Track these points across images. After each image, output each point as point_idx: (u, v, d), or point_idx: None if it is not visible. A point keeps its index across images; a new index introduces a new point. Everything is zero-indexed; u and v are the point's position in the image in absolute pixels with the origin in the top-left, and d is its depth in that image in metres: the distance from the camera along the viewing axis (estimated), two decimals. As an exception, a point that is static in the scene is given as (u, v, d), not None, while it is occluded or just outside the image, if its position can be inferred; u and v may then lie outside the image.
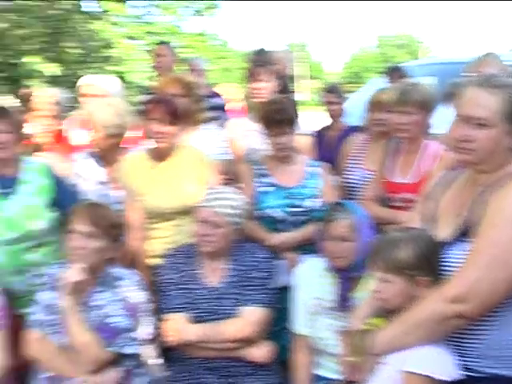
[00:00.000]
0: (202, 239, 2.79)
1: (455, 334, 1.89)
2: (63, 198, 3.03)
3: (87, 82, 4.05)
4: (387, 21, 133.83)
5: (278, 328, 2.90)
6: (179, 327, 2.74)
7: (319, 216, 2.86)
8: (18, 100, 5.98)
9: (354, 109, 4.40)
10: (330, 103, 4.59)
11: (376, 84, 5.13)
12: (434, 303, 1.86)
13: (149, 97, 3.82)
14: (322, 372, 2.69)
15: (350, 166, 3.74)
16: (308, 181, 3.24)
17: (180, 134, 3.17)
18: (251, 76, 3.79)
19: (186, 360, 2.79)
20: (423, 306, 1.89)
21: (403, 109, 3.12)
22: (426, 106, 3.16)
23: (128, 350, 2.56)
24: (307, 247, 3.03)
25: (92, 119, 3.36)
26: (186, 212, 2.99)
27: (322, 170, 3.30)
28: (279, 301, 2.89)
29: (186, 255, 2.89)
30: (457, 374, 1.88)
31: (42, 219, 2.96)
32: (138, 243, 3.07)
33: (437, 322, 1.86)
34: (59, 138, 4.00)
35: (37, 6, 10.57)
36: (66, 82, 9.50)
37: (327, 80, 36.50)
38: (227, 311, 2.77)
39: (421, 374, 1.86)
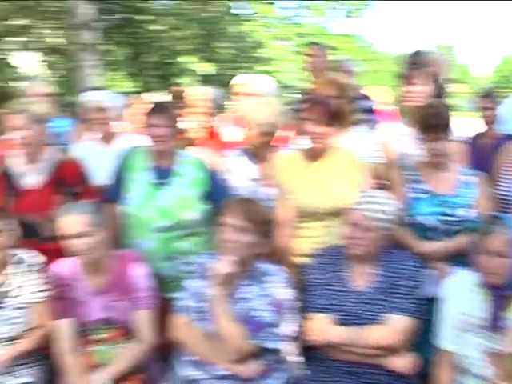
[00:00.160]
0: (351, 242, 2.76)
1: None
2: (215, 191, 3.15)
3: (241, 81, 4.16)
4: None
5: (421, 340, 2.81)
6: (323, 328, 2.72)
7: (473, 227, 2.71)
8: (170, 96, 6.30)
9: (509, 115, 4.16)
10: (484, 109, 4.36)
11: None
12: None
13: (303, 97, 3.85)
14: (463, 392, 2.57)
15: (505, 176, 3.53)
16: (462, 189, 3.09)
17: (334, 136, 3.17)
18: (406, 79, 3.69)
19: (326, 361, 2.77)
20: None
21: None
22: None
23: (270, 345, 2.60)
24: (458, 259, 2.89)
25: (246, 117, 3.44)
26: (336, 213, 2.97)
27: (478, 180, 3.15)
28: (425, 312, 2.80)
29: (334, 257, 2.88)
30: None
31: (194, 210, 3.10)
32: (287, 241, 3.09)
33: None
34: (212, 135, 4.15)
35: (192, 9, 11.06)
36: (217, 80, 9.87)
37: (475, 84, 34.75)
38: (372, 317, 2.72)
39: None
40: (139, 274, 2.83)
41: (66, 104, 7.30)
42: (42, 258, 2.99)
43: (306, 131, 3.10)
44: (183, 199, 3.08)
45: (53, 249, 3.09)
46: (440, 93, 4.20)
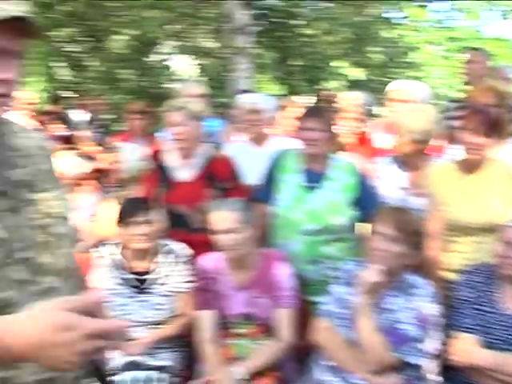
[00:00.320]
0: (504, 261, 2.60)
1: None
2: (364, 198, 3.10)
3: (396, 87, 4.07)
4: None
5: None
6: (468, 349, 2.59)
7: None
8: (318, 100, 6.31)
9: None
10: None
11: None
12: None
13: (458, 105, 3.69)
14: None
15: None
16: None
17: (491, 147, 3.00)
18: None
19: (467, 384, 2.64)
20: None
21: None
22: None
23: (412, 360, 2.51)
24: None
25: (398, 124, 3.36)
26: (490, 229, 2.81)
27: None
28: None
29: (484, 275, 2.72)
30: None
31: (342, 216, 3.07)
32: (436, 254, 2.98)
33: None
34: (362, 140, 4.10)
35: (345, 14, 11.01)
36: (366, 85, 9.75)
37: None
38: (522, 343, 2.55)
39: None
40: (283, 273, 2.87)
41: (218, 105, 7.57)
42: (189, 251, 3.13)
43: (463, 141, 2.96)
44: (333, 204, 3.07)
45: (200, 240, 3.23)
46: None
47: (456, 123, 3.13)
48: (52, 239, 1.34)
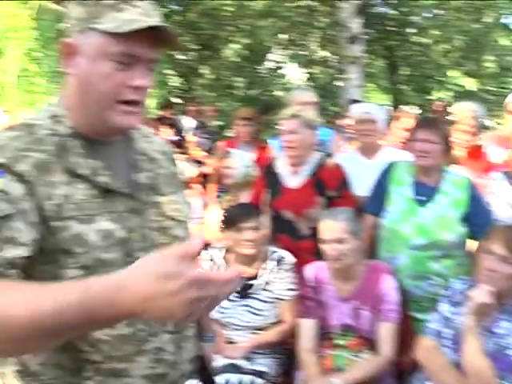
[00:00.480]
0: None
1: None
2: (476, 214, 2.98)
3: (516, 98, 3.89)
4: None
5: None
6: None
7: None
8: (430, 111, 6.14)
9: None
10: None
11: None
12: None
13: None
14: None
15: None
16: None
17: None
18: None
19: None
20: None
21: None
22: None
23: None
24: None
25: (513, 138, 3.21)
26: None
27: None
28: None
29: None
30: None
31: (452, 231, 2.97)
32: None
33: None
34: (475, 154, 3.94)
35: (459, 21, 10.66)
36: (477, 96, 9.40)
37: None
38: None
39: None
40: (389, 287, 2.82)
41: (328, 114, 7.56)
42: (293, 258, 3.14)
43: None
44: (443, 219, 2.98)
45: (305, 247, 3.24)
46: None
47: None
48: (172, 241, 1.39)
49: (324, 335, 2.93)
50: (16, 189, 1.16)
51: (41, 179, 1.20)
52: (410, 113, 4.33)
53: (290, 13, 8.50)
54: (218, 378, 2.83)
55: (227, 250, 3.21)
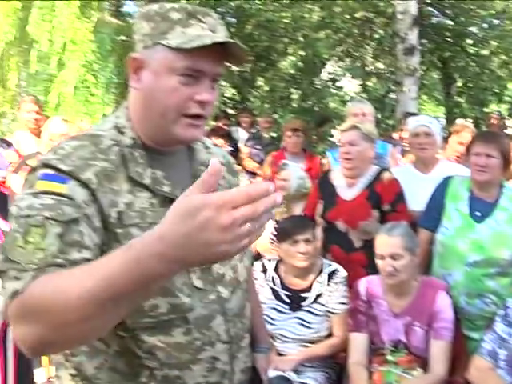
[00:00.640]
0: None
1: None
2: None
3: None
4: None
5: None
6: None
7: None
8: (488, 124, 6.00)
9: None
10: None
11: None
12: None
13: None
14: None
15: None
16: None
17: None
18: None
19: None
20: None
21: None
22: None
23: None
24: None
25: None
26: None
27: None
28: None
29: None
30: None
31: (509, 249, 2.89)
32: None
33: None
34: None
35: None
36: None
37: None
38: None
39: None
40: (443, 304, 2.77)
41: (384, 127, 7.50)
42: (345, 272, 3.12)
43: None
44: (500, 235, 2.90)
45: (359, 260, 3.22)
46: None
47: None
48: None
49: (375, 350, 2.90)
50: (81, 194, 1.20)
51: (104, 187, 1.24)
52: (468, 126, 4.22)
53: (345, 24, 8.49)
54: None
55: (279, 262, 3.21)
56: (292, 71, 7.46)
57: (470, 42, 10.24)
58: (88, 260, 1.13)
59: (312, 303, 3.09)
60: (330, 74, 8.71)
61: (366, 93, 7.61)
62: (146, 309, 1.26)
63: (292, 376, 2.95)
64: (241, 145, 7.06)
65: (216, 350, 1.35)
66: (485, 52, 10.37)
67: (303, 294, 3.10)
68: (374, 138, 3.48)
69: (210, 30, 1.27)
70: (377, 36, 9.11)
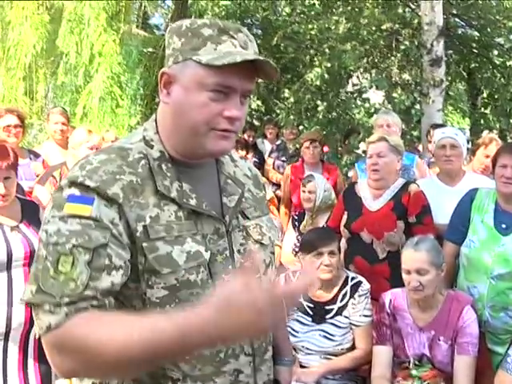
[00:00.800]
0: None
1: None
2: None
3: None
4: None
5: None
6: None
7: None
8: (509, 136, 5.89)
9: None
10: None
11: None
12: None
13: None
14: None
15: None
16: None
17: None
18: None
19: None
20: None
21: None
22: None
23: None
24: None
25: None
26: None
27: None
28: None
29: None
30: None
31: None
32: None
33: None
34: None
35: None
36: None
37: None
38: None
39: None
40: (469, 319, 2.74)
41: (410, 139, 7.45)
42: (368, 284, 3.11)
43: None
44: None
45: (380, 271, 3.21)
46: None
47: None
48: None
49: (398, 364, 2.88)
50: (107, 214, 1.22)
51: (131, 201, 1.25)
52: (496, 139, 4.17)
53: (372, 36, 8.46)
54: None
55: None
56: (318, 83, 7.44)
57: (495, 52, 10.14)
58: (119, 283, 1.20)
59: (335, 315, 3.07)
60: (355, 85, 8.68)
61: (392, 104, 7.57)
62: None
63: None
64: (266, 156, 7.07)
65: (240, 363, 1.35)
66: (511, 63, 10.26)
67: (327, 307, 3.09)
68: (401, 151, 3.48)
69: (240, 47, 1.28)
70: (403, 47, 9.07)
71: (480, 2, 9.34)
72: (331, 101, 7.98)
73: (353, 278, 3.12)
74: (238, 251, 1.39)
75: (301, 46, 9.29)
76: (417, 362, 2.83)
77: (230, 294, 1.01)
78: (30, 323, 2.57)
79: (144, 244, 1.25)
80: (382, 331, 2.89)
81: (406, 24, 9.19)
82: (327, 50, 8.13)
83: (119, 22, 8.52)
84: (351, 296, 3.07)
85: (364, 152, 5.30)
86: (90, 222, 1.19)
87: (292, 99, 8.17)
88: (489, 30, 9.62)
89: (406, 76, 9.69)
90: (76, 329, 1.11)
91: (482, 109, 10.10)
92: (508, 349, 2.62)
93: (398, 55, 9.32)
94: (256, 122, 10.44)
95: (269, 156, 7.03)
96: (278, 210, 5.17)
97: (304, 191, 4.22)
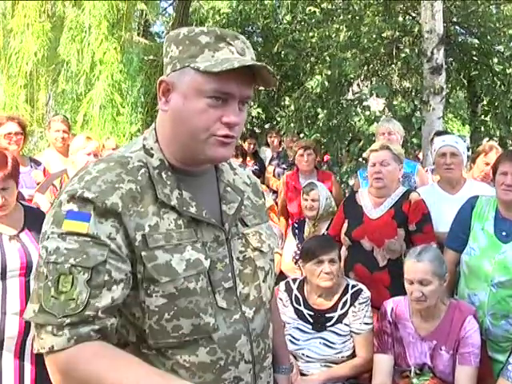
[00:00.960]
0: None
1: None
2: None
3: None
4: None
5: None
6: None
7: None
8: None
9: None
10: None
11: None
12: None
13: None
14: None
15: None
16: None
17: None
18: None
19: None
20: None
21: None
22: None
23: None
24: None
25: None
26: None
27: None
28: None
29: None
30: None
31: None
32: None
33: None
34: None
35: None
36: None
37: None
38: None
39: None
40: (471, 329, 2.73)
41: (411, 146, 7.45)
42: (368, 292, 3.10)
43: None
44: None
45: (380, 279, 3.21)
46: None
47: None
48: (255, 272, 1.42)
49: (399, 373, 2.87)
50: (104, 230, 1.22)
51: (130, 210, 1.25)
52: (496, 147, 4.17)
53: (372, 44, 8.48)
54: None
55: (303, 282, 3.21)
56: (318, 90, 7.45)
57: (496, 60, 10.16)
58: (120, 299, 1.22)
59: (336, 323, 3.07)
60: (355, 93, 8.70)
61: (393, 112, 7.57)
62: (168, 329, 1.27)
63: None
64: (266, 164, 7.07)
65: (240, 370, 1.35)
66: (511, 71, 10.28)
67: (327, 314, 3.08)
68: (402, 159, 3.50)
69: (238, 53, 1.29)
70: (403, 55, 9.09)
71: (480, 10, 9.37)
72: (332, 108, 7.98)
73: (353, 286, 3.12)
74: (238, 259, 1.39)
75: (301, 53, 9.32)
76: (418, 371, 2.82)
77: None
78: (24, 333, 2.54)
79: (143, 253, 1.25)
80: (384, 339, 2.88)
81: (407, 32, 9.21)
82: (328, 58, 8.14)
83: (120, 29, 8.54)
84: (351, 304, 3.07)
85: (364, 160, 5.29)
86: (88, 239, 1.20)
87: (292, 107, 8.17)
88: (489, 37, 9.65)
89: (406, 84, 9.71)
90: (80, 362, 1.15)
91: (482, 116, 10.11)
92: (509, 357, 2.62)
93: (399, 63, 9.35)
94: (257, 130, 10.44)
95: (269, 163, 7.03)
96: (279, 217, 5.16)
97: (306, 199, 4.20)
